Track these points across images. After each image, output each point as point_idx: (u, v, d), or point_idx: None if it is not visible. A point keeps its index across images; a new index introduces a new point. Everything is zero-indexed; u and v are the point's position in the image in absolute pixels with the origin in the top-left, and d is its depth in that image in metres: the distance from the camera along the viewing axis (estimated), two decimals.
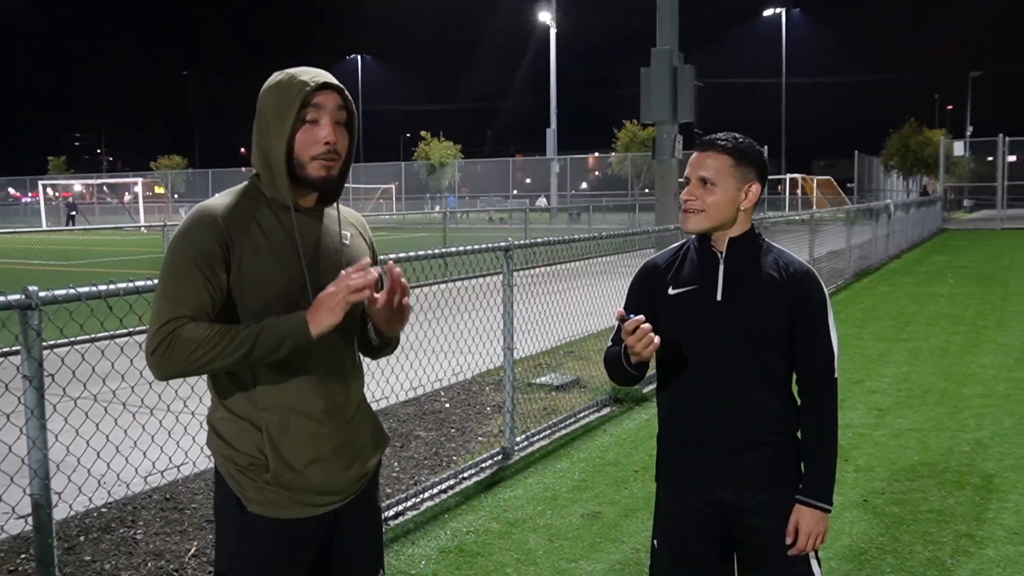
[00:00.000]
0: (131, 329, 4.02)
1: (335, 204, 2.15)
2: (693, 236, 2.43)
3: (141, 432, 4.59)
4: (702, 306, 2.34)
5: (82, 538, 4.22)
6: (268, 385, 2.01)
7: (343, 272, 1.94)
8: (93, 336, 4.42)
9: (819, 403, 2.35)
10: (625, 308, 2.41)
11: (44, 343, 2.89)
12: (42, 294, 2.85)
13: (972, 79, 70.29)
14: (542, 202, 44.63)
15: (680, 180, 2.34)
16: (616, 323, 2.28)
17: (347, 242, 2.15)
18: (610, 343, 2.48)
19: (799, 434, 2.38)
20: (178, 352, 1.88)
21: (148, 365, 1.94)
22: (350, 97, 2.07)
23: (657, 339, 2.19)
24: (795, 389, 2.41)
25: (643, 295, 2.45)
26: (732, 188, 2.31)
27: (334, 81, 2.03)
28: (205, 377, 2.08)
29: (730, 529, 2.38)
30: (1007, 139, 33.99)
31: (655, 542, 2.51)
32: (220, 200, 2.02)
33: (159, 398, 4.84)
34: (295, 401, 2.03)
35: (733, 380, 2.32)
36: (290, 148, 1.99)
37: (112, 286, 3.06)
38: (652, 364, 2.39)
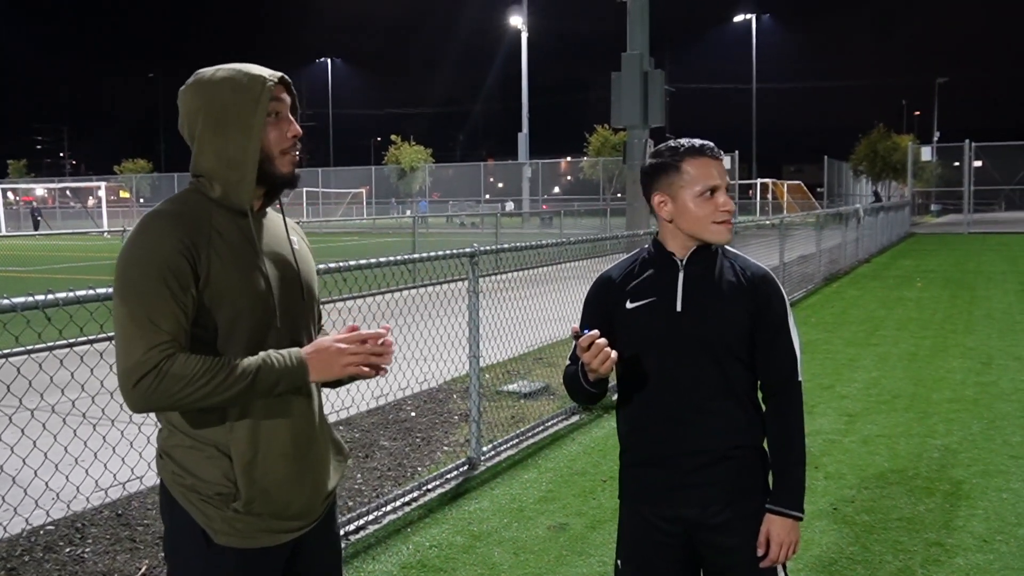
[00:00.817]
0: (84, 338, 3.86)
1: (274, 207, 2.08)
2: (647, 245, 2.36)
3: (102, 444, 4.43)
4: (661, 318, 2.26)
5: (26, 558, 4.04)
6: (236, 407, 1.89)
7: (366, 336, 1.94)
8: (51, 344, 4.26)
9: (784, 409, 2.28)
10: (580, 325, 2.33)
11: None
12: None
13: (939, 85, 71.20)
14: (510, 207, 44.56)
15: (699, 188, 2.22)
16: (572, 341, 2.19)
17: (296, 247, 2.08)
18: (568, 362, 2.39)
19: (765, 445, 2.31)
20: (166, 388, 1.76)
21: (125, 398, 1.79)
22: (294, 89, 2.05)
23: (614, 354, 2.11)
24: (760, 397, 2.33)
25: (599, 310, 2.37)
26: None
27: (285, 76, 2.02)
28: None
29: (695, 547, 2.30)
30: (973, 145, 34.42)
31: (619, 562, 2.41)
32: (172, 207, 1.90)
33: (121, 408, 4.67)
34: (264, 423, 1.93)
35: (696, 393, 2.24)
36: (261, 145, 1.94)
37: (49, 296, 2.91)
38: (613, 377, 2.30)
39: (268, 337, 1.94)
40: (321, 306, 2.24)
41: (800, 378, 2.29)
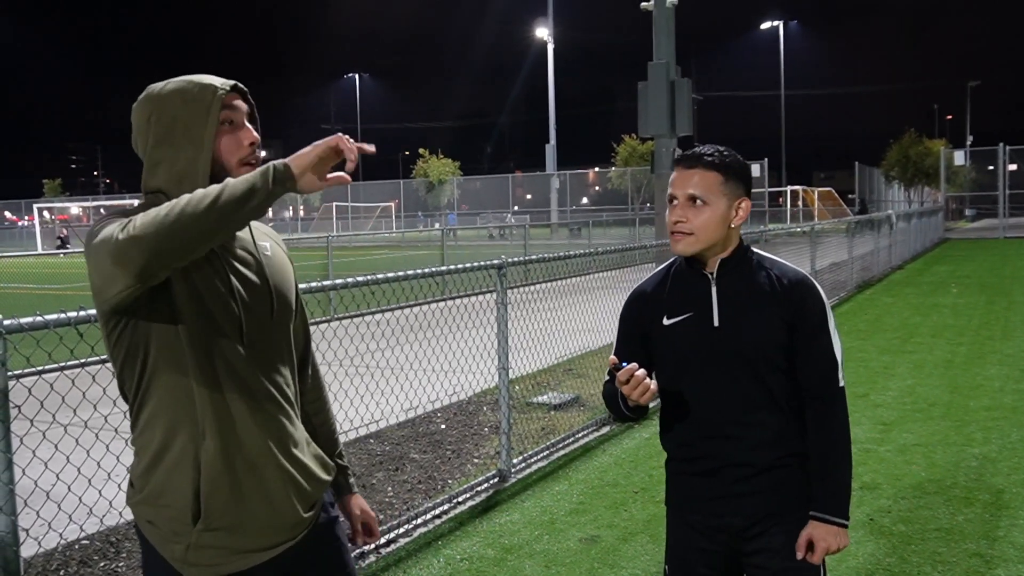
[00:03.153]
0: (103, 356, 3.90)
1: None
2: (679, 257, 2.32)
3: (124, 460, 4.46)
4: (700, 333, 2.23)
5: (61, 572, 4.08)
6: (212, 415, 1.80)
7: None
8: (63, 364, 4.30)
9: (826, 413, 2.23)
10: (617, 342, 2.34)
11: (9, 372, 2.77)
12: (7, 322, 2.73)
13: (971, 88, 70.36)
14: (510, 219, 44.31)
15: (666, 198, 2.21)
16: (608, 358, 2.18)
17: (268, 253, 1.99)
18: (607, 377, 2.36)
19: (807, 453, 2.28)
20: (145, 221, 1.60)
21: (118, 254, 1.61)
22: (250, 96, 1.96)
23: (654, 385, 2.10)
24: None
25: (635, 326, 2.36)
26: (723, 206, 2.19)
27: (239, 83, 1.92)
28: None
29: (738, 556, 2.29)
30: (1007, 148, 33.93)
31: (667, 567, 2.42)
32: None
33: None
34: (239, 433, 1.83)
35: (738, 406, 2.21)
36: (214, 156, 1.85)
37: (81, 312, 2.94)
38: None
39: (233, 353, 1.84)
40: (309, 328, 2.16)
41: (842, 383, 2.25)
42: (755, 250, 2.32)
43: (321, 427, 2.19)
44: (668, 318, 2.28)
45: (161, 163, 1.85)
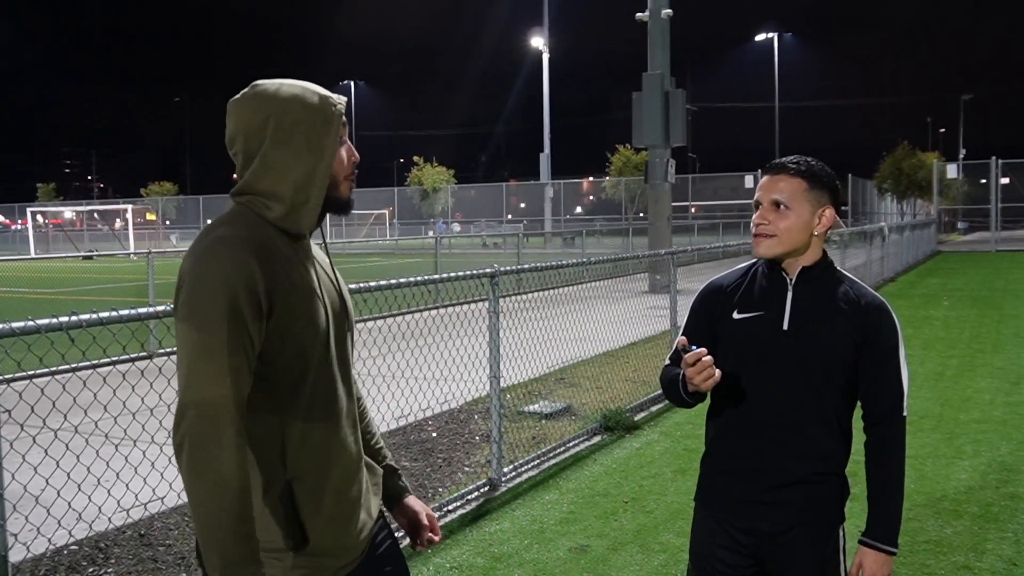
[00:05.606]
0: (107, 359, 3.90)
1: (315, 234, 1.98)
2: (762, 259, 2.33)
3: (124, 464, 4.46)
4: (767, 334, 2.24)
5: None
6: (301, 449, 1.80)
7: None
8: (54, 369, 4.30)
9: (886, 443, 2.25)
10: (686, 329, 2.35)
11: (0, 377, 2.77)
12: None
13: (964, 102, 70.74)
14: (455, 228, 44.26)
15: (752, 204, 2.29)
16: (676, 348, 2.21)
17: (339, 275, 2.00)
18: (667, 361, 2.41)
19: (846, 472, 2.29)
20: (210, 476, 1.62)
21: (179, 409, 1.65)
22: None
23: (718, 373, 2.11)
24: (857, 426, 2.30)
25: (705, 317, 2.37)
26: (806, 212, 2.22)
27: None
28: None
29: (763, 561, 2.29)
30: (1000, 161, 34.08)
31: (690, 565, 2.44)
32: (236, 232, 1.75)
33: (143, 428, 4.71)
34: (328, 459, 1.84)
35: (788, 414, 2.22)
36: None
37: (73, 317, 2.94)
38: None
39: (320, 374, 1.82)
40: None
41: (905, 412, 2.25)
42: (838, 267, 2.34)
43: (367, 434, 2.17)
44: (738, 313, 2.29)
45: (275, 167, 1.81)
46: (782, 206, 2.21)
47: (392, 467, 2.21)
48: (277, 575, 1.80)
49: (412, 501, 2.23)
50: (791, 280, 2.26)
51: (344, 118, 1.90)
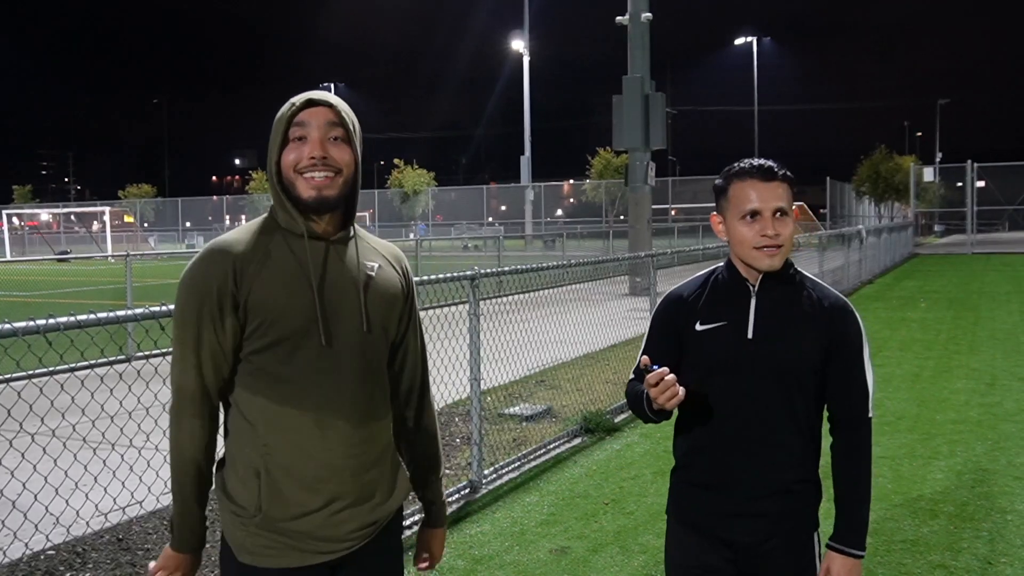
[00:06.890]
0: (85, 363, 3.87)
1: (353, 232, 2.06)
2: (721, 265, 2.30)
3: (102, 468, 4.43)
4: (732, 344, 2.19)
5: None
6: (273, 430, 1.91)
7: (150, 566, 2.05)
8: (31, 372, 4.26)
9: (853, 445, 2.22)
10: (648, 345, 2.31)
11: None
12: None
13: (940, 106, 71.46)
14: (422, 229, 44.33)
15: (742, 213, 2.18)
16: (639, 366, 2.17)
17: (372, 272, 2.03)
18: (632, 376, 2.36)
19: (821, 475, 2.27)
20: (172, 433, 1.96)
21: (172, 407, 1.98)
22: (345, 114, 1.96)
23: (682, 391, 2.05)
24: (824, 429, 2.28)
25: (668, 329, 2.31)
26: (791, 218, 2.19)
27: (319, 97, 1.94)
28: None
29: (742, 572, 2.26)
30: (975, 165, 34.49)
31: None
32: (230, 236, 1.97)
33: (121, 432, 4.67)
34: (302, 448, 1.91)
35: (759, 423, 2.18)
36: (278, 167, 1.93)
37: (50, 320, 2.92)
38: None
39: (318, 364, 1.92)
40: (425, 351, 2.25)
41: (871, 413, 2.23)
42: (799, 269, 2.30)
43: (422, 457, 2.25)
44: (701, 324, 2.24)
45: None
46: (780, 213, 2.15)
47: (430, 500, 2.29)
48: (241, 535, 1.94)
49: (432, 536, 2.33)
50: (754, 287, 2.22)
51: (308, 118, 1.92)
